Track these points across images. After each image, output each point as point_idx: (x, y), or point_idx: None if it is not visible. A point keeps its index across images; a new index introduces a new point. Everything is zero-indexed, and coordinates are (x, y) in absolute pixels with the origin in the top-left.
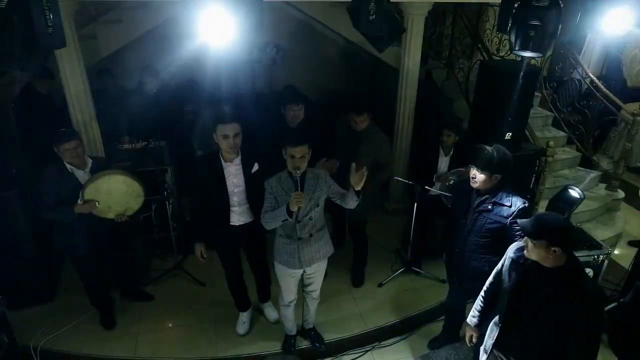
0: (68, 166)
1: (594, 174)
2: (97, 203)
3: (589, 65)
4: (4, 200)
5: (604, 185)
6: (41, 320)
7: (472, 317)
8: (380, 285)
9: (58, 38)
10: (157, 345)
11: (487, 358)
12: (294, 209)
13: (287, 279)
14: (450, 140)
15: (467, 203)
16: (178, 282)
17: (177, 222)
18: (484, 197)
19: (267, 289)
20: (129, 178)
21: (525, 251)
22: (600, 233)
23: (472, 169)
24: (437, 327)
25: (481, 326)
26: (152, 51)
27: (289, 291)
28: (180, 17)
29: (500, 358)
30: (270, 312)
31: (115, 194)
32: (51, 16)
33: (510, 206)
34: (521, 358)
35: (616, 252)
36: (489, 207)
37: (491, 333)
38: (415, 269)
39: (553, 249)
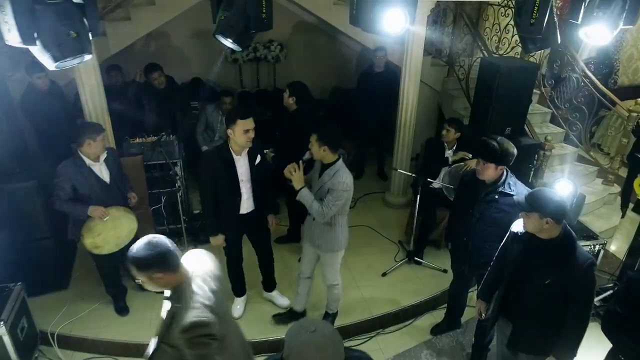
0: (87, 160)
1: (591, 169)
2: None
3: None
4: (25, 191)
5: (600, 179)
6: (57, 307)
7: (481, 290)
8: (384, 274)
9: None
10: None
11: (493, 327)
12: (296, 186)
13: (304, 249)
14: (451, 136)
15: (473, 194)
16: None
17: (185, 214)
18: (490, 188)
19: (273, 277)
20: (134, 231)
21: (523, 225)
22: (596, 225)
23: (478, 161)
24: (439, 314)
25: (489, 300)
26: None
27: (302, 262)
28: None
29: (504, 325)
30: (279, 299)
31: (115, 231)
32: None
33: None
34: (522, 323)
35: (612, 244)
36: (495, 197)
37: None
38: (418, 259)
39: (545, 220)
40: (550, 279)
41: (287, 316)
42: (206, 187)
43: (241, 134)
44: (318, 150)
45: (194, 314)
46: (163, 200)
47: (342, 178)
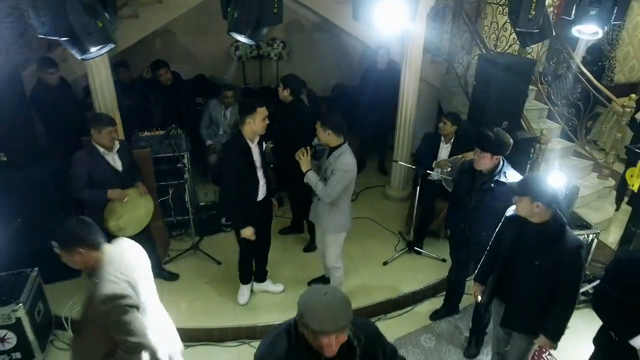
0: (100, 150)
1: (586, 163)
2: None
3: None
4: (40, 179)
5: (595, 174)
6: (71, 294)
7: (477, 274)
8: (385, 263)
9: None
10: (180, 315)
11: (488, 308)
12: (304, 168)
13: (317, 229)
14: (447, 128)
15: (470, 183)
16: (196, 260)
17: (192, 205)
18: (486, 177)
19: (266, 267)
20: (152, 211)
21: (515, 209)
22: (591, 217)
23: (475, 151)
24: (438, 301)
25: (485, 283)
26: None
27: (317, 241)
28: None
29: (498, 306)
30: (273, 286)
31: (135, 212)
32: None
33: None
34: (514, 304)
35: (607, 236)
36: (492, 185)
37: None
38: (417, 249)
39: (535, 204)
40: (540, 261)
41: (321, 281)
42: (232, 179)
43: (260, 121)
44: (324, 135)
45: (110, 287)
46: (170, 192)
47: (345, 159)
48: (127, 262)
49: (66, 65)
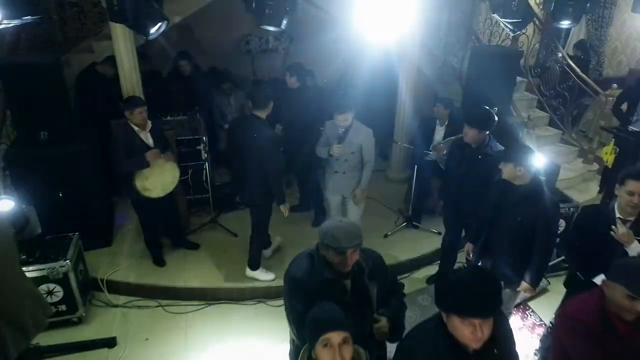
0: (135, 128)
1: (572, 149)
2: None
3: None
4: (78, 154)
5: (581, 159)
6: (104, 260)
7: (468, 235)
8: (385, 236)
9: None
10: (202, 277)
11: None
12: (334, 154)
13: (331, 203)
14: (441, 112)
15: (461, 155)
16: (214, 233)
17: (209, 184)
18: (474, 150)
19: None
20: (177, 179)
21: (501, 173)
22: (577, 198)
23: (465, 127)
24: (433, 268)
25: (476, 242)
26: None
27: (331, 210)
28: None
29: (487, 262)
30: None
31: (162, 176)
32: None
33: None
34: (500, 257)
35: None
36: (479, 157)
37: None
38: (416, 223)
39: (518, 168)
40: (521, 217)
41: None
42: (281, 161)
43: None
44: (343, 118)
45: None
46: (190, 173)
47: (364, 128)
48: None
49: (94, 56)
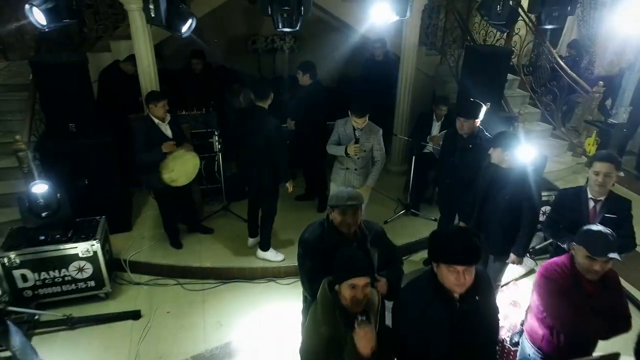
0: (156, 120)
1: (562, 143)
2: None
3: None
4: (102, 146)
5: (570, 152)
6: (125, 243)
7: (462, 215)
8: (385, 222)
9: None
10: (216, 258)
11: None
12: (351, 154)
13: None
14: (441, 113)
15: (453, 144)
16: (226, 220)
17: (220, 175)
18: (466, 139)
19: None
20: (198, 166)
21: (490, 158)
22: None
23: (457, 119)
24: None
25: (469, 221)
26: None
27: None
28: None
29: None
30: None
31: (184, 166)
32: None
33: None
34: (491, 232)
35: None
36: (470, 146)
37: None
38: (414, 211)
39: (505, 152)
40: (509, 196)
41: None
42: (285, 142)
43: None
44: (361, 121)
45: None
46: (202, 164)
47: (375, 125)
48: None
49: (111, 55)
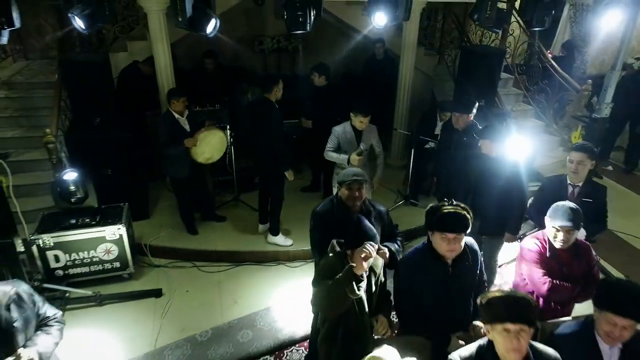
0: (176, 115)
1: (554, 138)
2: (197, 142)
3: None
4: (124, 139)
5: (562, 147)
6: (144, 230)
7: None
8: None
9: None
10: (230, 243)
11: None
12: (355, 164)
13: None
14: (445, 117)
15: (450, 138)
16: (236, 209)
17: (231, 167)
18: (461, 133)
19: None
20: (224, 138)
21: (481, 148)
22: None
23: (453, 115)
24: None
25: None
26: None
27: None
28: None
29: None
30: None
31: (210, 144)
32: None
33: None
34: (486, 215)
35: None
36: (464, 139)
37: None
38: (413, 201)
39: (494, 143)
40: (501, 184)
41: None
42: (283, 132)
43: (281, 89)
44: (365, 121)
45: None
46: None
47: (373, 127)
48: None
49: (127, 55)
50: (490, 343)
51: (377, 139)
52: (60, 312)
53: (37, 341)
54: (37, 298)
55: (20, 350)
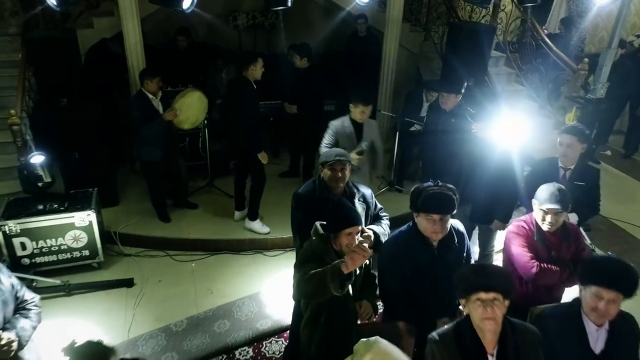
0: (149, 96)
1: (548, 121)
2: (178, 112)
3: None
4: (91, 120)
5: (556, 130)
6: (113, 217)
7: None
8: None
9: None
10: (202, 231)
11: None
12: (355, 164)
13: None
14: (432, 97)
15: (437, 119)
16: (211, 195)
17: (204, 152)
18: (448, 114)
19: None
20: (203, 95)
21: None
22: None
23: (440, 95)
24: None
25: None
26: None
27: None
28: None
29: (465, 207)
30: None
31: (193, 107)
32: None
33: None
34: (477, 201)
35: None
36: (453, 120)
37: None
38: (398, 187)
39: (487, 126)
40: (493, 169)
41: None
42: (257, 112)
43: (260, 68)
44: (367, 112)
45: None
46: (187, 140)
47: (373, 122)
48: None
49: (94, 31)
50: (467, 318)
51: (377, 135)
52: (38, 296)
53: (17, 324)
54: (15, 281)
55: (0, 333)
